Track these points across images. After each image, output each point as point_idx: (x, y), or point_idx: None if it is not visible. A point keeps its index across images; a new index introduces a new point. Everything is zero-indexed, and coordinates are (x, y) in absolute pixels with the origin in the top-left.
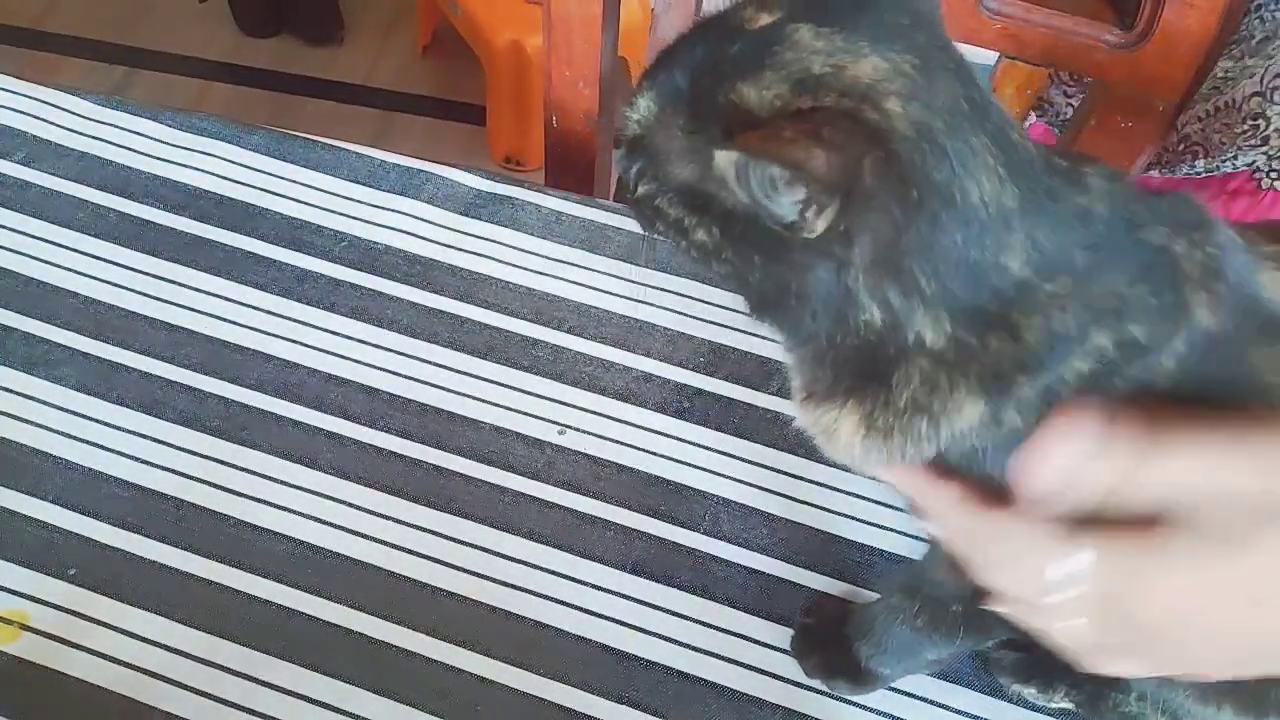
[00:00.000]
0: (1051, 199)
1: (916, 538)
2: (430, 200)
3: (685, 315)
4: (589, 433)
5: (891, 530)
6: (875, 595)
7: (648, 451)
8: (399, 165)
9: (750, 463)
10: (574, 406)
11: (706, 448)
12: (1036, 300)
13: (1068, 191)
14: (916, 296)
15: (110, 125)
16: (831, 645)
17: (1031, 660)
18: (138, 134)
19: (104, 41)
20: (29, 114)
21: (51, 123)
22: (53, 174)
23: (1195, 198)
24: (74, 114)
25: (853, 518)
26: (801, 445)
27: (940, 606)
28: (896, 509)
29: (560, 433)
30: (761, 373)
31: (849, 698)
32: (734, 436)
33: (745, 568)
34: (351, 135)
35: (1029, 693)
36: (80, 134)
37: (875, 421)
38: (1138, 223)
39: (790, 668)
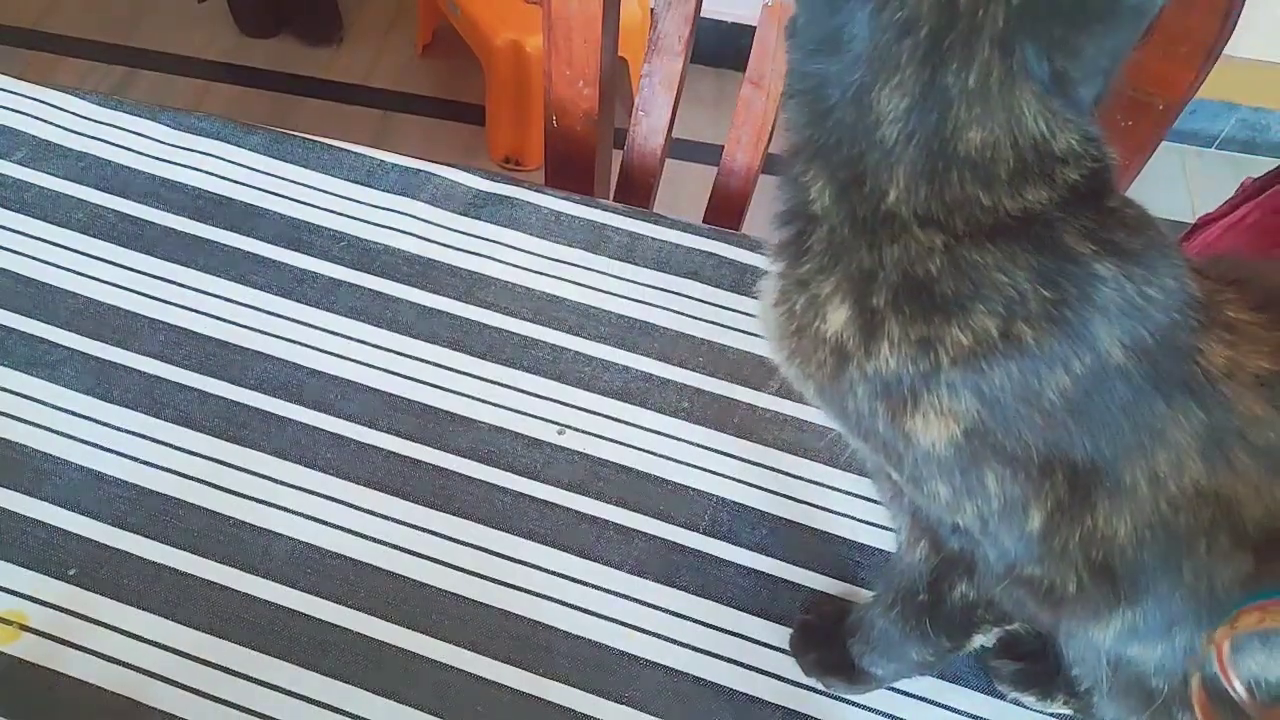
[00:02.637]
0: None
1: None
2: (430, 200)
3: (684, 315)
4: (588, 432)
5: (891, 530)
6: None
7: (647, 451)
8: (399, 165)
9: (749, 463)
10: (573, 406)
11: (706, 447)
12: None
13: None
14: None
15: (110, 125)
16: (828, 643)
17: (1030, 669)
18: (137, 134)
19: (103, 42)
20: (29, 114)
21: (51, 123)
22: (53, 174)
23: (1174, 248)
24: (74, 114)
25: (852, 517)
26: (801, 446)
27: (909, 596)
28: None
29: (560, 432)
30: (761, 372)
31: (847, 697)
32: (733, 436)
33: (745, 568)
34: (350, 135)
35: (1028, 700)
36: (80, 134)
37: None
38: (1070, 231)
39: (790, 668)
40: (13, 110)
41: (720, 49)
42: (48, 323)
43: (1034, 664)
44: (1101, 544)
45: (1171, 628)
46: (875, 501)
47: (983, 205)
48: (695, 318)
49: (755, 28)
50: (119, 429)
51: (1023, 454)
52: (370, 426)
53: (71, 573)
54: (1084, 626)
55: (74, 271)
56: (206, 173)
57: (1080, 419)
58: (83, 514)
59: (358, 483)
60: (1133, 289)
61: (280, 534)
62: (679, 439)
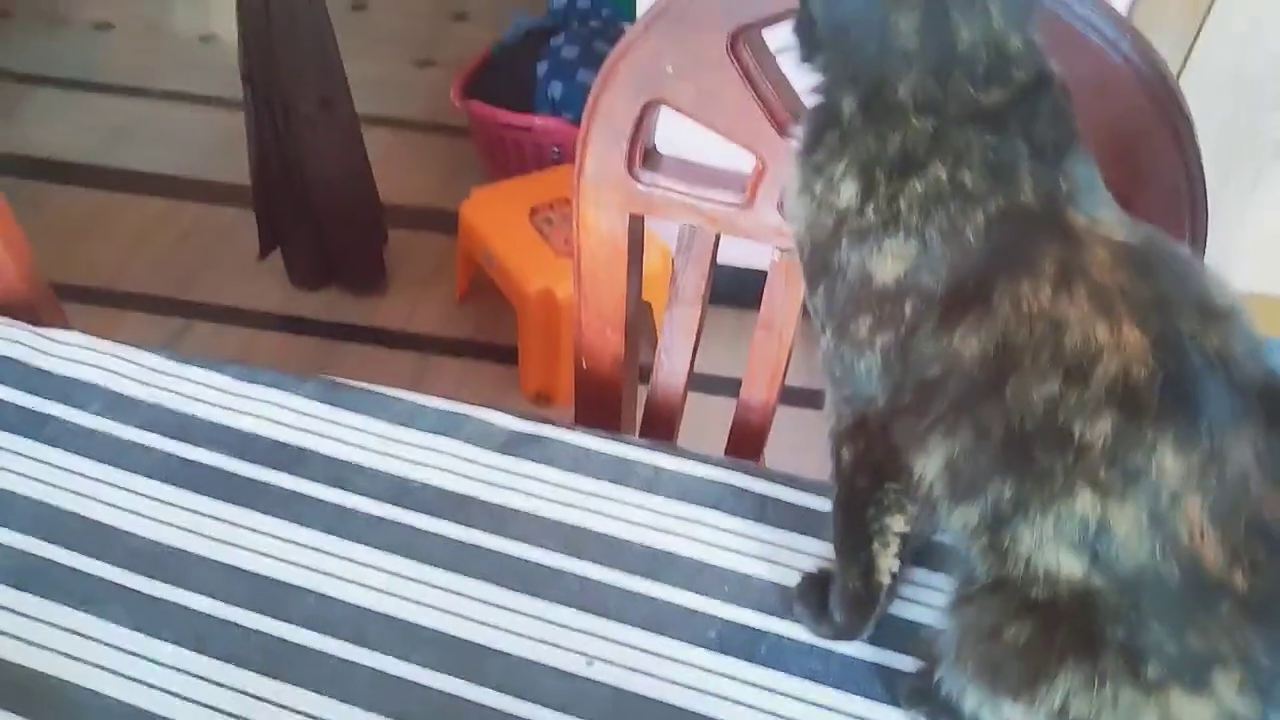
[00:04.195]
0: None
1: None
2: (467, 439)
3: (709, 545)
4: (617, 664)
5: None
6: None
7: (675, 683)
8: (438, 407)
9: (779, 694)
10: (602, 637)
11: (733, 678)
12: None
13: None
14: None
15: (176, 377)
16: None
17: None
18: (202, 385)
19: (164, 297)
20: (104, 369)
21: (124, 376)
22: (123, 423)
23: (1080, 141)
24: (144, 368)
25: None
26: (828, 675)
27: (834, 506)
28: None
29: (589, 664)
30: (787, 601)
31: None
32: (761, 667)
33: None
34: (392, 377)
35: None
36: (149, 385)
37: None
38: (1013, 120)
39: None
40: (90, 365)
41: (737, 291)
42: (106, 561)
43: None
44: (949, 361)
45: (980, 486)
46: None
47: (968, 95)
48: (720, 547)
49: (767, 273)
50: (164, 665)
51: (933, 285)
52: (405, 660)
53: None
54: (917, 456)
55: (133, 512)
56: (262, 418)
57: (983, 249)
58: None
59: (392, 716)
60: (1050, 160)
61: None
62: (707, 670)
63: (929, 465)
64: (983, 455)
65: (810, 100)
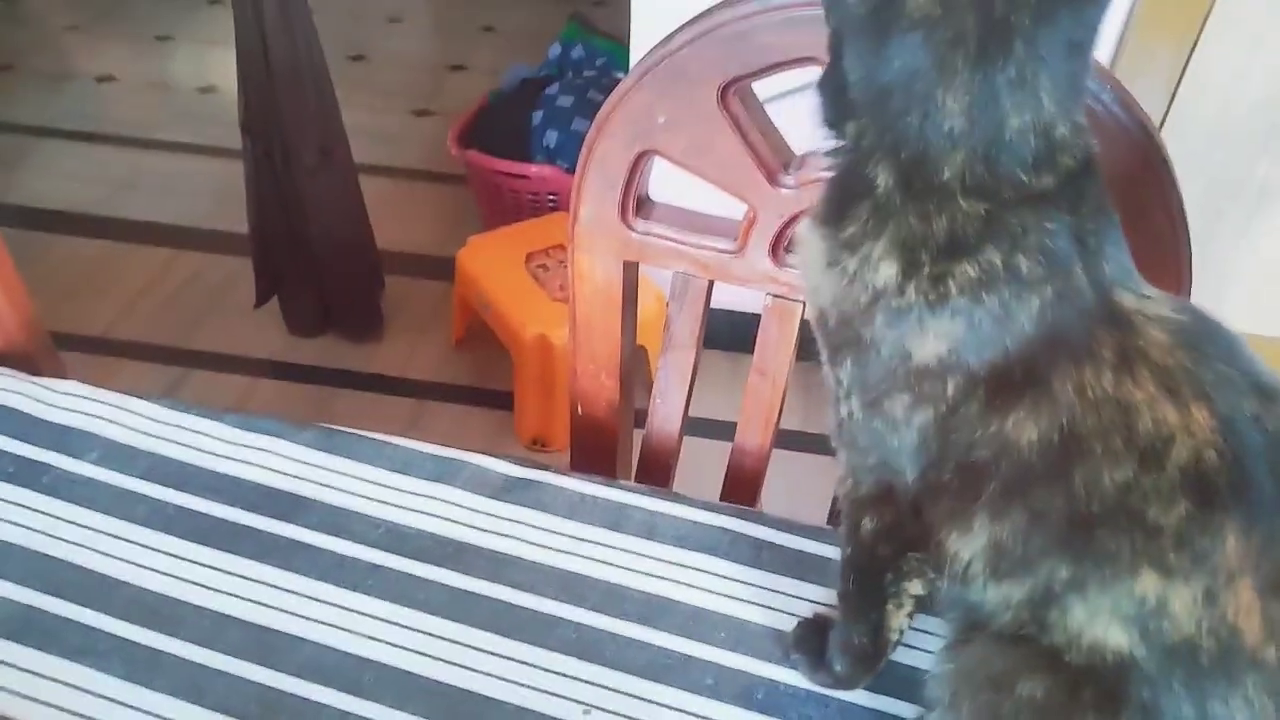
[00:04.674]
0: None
1: None
2: (463, 486)
3: (705, 591)
4: (614, 712)
5: None
6: None
7: None
8: (435, 454)
9: None
10: (599, 685)
11: None
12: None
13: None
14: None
15: (176, 426)
16: (819, 645)
17: None
18: (201, 434)
19: (163, 345)
20: (103, 418)
21: (123, 425)
22: (121, 472)
23: (1119, 228)
24: (143, 416)
25: None
26: None
27: (842, 568)
28: None
29: (586, 712)
30: (784, 647)
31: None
32: (758, 713)
33: None
34: (388, 423)
35: None
36: (148, 435)
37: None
38: (1061, 205)
39: None
40: (87, 414)
41: (731, 335)
42: (102, 612)
43: None
44: (1000, 445)
45: (1031, 566)
46: None
47: (1019, 181)
48: (716, 593)
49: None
50: (158, 716)
51: (977, 366)
52: (401, 709)
53: None
54: (957, 532)
55: (130, 562)
56: (260, 466)
57: (1036, 333)
58: None
59: None
60: (1093, 240)
61: None
62: (704, 717)
63: (970, 544)
64: (1037, 537)
65: (827, 159)
